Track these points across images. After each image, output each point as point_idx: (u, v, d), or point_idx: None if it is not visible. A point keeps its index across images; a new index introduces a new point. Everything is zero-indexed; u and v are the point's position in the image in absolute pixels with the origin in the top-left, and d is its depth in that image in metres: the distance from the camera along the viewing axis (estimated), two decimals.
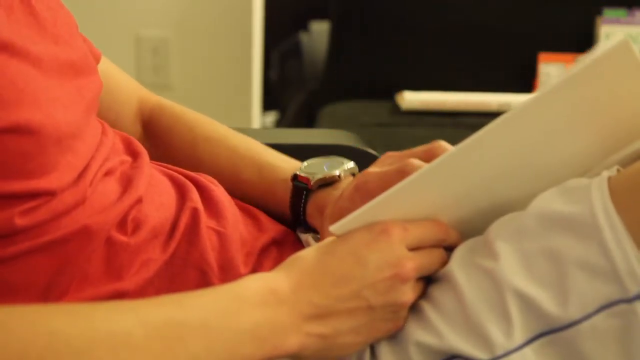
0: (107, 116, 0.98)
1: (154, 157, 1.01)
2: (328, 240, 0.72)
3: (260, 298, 0.67)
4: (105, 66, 0.98)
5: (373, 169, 0.83)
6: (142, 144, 0.98)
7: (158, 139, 1.02)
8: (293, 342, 0.67)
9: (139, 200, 0.81)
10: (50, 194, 0.73)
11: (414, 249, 0.71)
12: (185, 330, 0.64)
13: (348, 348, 0.70)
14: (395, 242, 0.70)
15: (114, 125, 0.99)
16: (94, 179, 0.78)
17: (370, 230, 0.71)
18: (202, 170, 0.95)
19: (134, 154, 0.87)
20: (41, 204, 0.73)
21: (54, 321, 0.62)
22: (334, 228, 0.71)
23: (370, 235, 0.70)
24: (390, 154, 0.85)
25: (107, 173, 0.81)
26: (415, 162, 0.79)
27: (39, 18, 0.79)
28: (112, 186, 0.80)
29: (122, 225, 0.79)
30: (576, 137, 0.73)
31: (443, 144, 0.81)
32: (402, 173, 0.78)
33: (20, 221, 0.71)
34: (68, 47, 0.80)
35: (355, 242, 0.70)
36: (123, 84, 1.03)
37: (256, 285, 0.68)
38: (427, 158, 0.80)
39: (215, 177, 0.93)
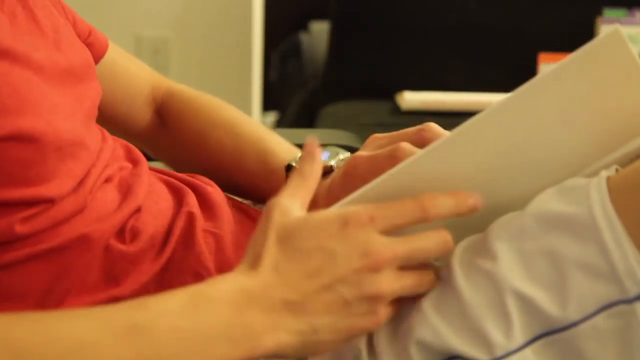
0: (119, 109, 0.98)
1: (169, 146, 1.00)
2: (289, 229, 0.67)
3: (230, 296, 0.64)
4: (114, 57, 0.97)
5: (361, 152, 0.83)
6: (158, 133, 0.97)
7: (170, 127, 1.02)
8: (269, 340, 0.64)
9: (138, 209, 0.81)
10: (49, 201, 0.73)
11: (388, 231, 0.67)
12: (155, 335, 0.62)
13: (327, 345, 0.67)
14: (363, 229, 0.66)
15: (126, 117, 0.99)
16: (93, 187, 0.78)
17: (335, 221, 0.67)
18: (210, 158, 0.95)
19: (133, 161, 0.87)
20: (41, 212, 0.72)
21: (16, 332, 0.61)
22: None
23: (335, 226, 0.66)
24: (377, 136, 0.84)
25: (107, 180, 0.80)
26: (407, 146, 0.79)
27: (40, 24, 0.78)
28: (111, 194, 0.80)
29: (120, 233, 0.79)
30: (572, 131, 0.72)
31: (433, 125, 0.81)
32: (393, 158, 0.77)
33: (20, 229, 0.71)
34: (68, 54, 0.80)
35: (321, 235, 0.66)
36: (133, 76, 1.01)
37: (225, 286, 0.65)
38: (418, 140, 0.80)
39: (220, 166, 0.93)
